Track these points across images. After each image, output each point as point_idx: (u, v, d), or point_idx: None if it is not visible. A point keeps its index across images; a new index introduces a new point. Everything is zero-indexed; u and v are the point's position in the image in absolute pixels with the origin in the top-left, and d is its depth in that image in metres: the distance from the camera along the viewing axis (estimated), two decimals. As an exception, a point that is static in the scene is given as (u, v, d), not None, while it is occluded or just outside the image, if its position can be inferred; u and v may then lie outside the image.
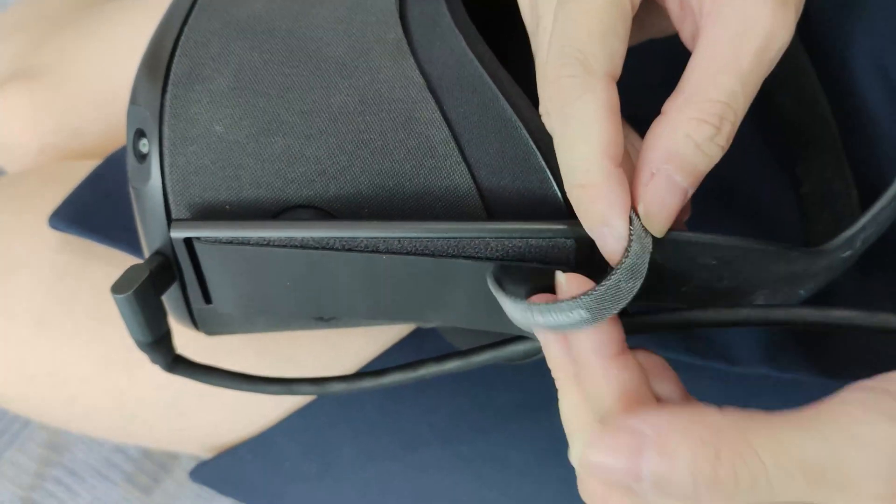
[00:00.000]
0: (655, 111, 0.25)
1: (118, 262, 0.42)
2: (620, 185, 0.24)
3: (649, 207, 0.24)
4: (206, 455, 0.47)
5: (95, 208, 0.43)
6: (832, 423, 0.21)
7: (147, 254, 0.30)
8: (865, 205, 0.39)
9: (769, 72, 0.25)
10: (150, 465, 0.73)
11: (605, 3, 0.25)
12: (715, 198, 0.38)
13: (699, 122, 0.24)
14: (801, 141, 0.41)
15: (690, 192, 0.24)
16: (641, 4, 0.26)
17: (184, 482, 0.72)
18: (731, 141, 0.24)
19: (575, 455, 0.24)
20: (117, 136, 0.53)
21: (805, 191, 0.41)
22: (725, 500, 0.21)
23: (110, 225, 0.42)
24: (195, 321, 0.32)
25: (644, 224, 0.24)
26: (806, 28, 0.34)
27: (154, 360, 0.30)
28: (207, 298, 0.30)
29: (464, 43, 0.29)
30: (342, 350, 0.43)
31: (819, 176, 0.40)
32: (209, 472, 0.47)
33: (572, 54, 0.24)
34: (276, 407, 0.44)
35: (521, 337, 0.29)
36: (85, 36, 0.54)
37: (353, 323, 0.34)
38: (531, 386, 0.41)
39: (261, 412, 0.44)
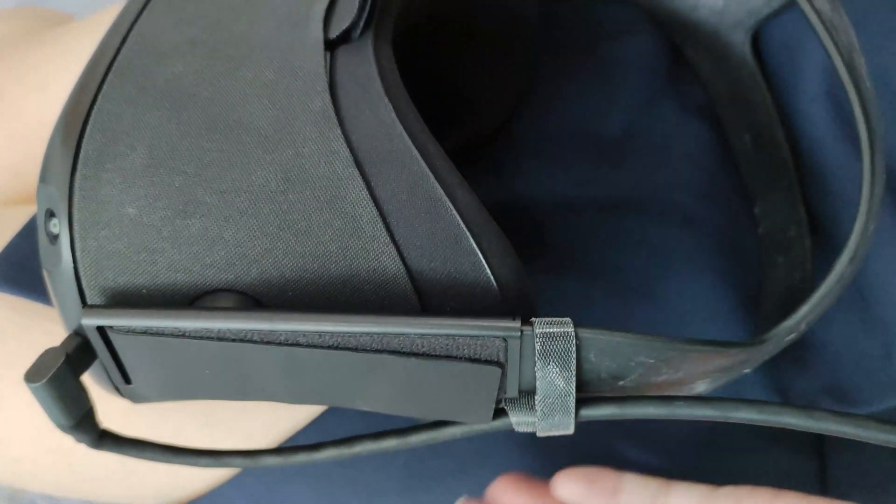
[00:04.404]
0: None
1: (59, 318, 0.41)
2: None
3: None
4: (163, 512, 0.46)
5: (31, 264, 0.41)
6: None
7: (67, 331, 0.28)
8: (819, 249, 0.39)
9: None
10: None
11: None
12: (682, 228, 0.37)
13: None
14: (759, 181, 0.41)
15: None
16: None
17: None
18: None
19: None
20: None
21: (762, 231, 0.40)
22: None
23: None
24: (119, 392, 0.30)
25: None
26: (763, 59, 0.34)
27: (79, 440, 0.29)
28: (127, 380, 0.28)
29: (393, 114, 0.28)
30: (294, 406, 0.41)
31: (774, 218, 0.40)
32: None
33: None
34: None
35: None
36: (29, 64, 0.51)
37: None
38: (491, 433, 0.40)
39: (215, 466, 0.43)
